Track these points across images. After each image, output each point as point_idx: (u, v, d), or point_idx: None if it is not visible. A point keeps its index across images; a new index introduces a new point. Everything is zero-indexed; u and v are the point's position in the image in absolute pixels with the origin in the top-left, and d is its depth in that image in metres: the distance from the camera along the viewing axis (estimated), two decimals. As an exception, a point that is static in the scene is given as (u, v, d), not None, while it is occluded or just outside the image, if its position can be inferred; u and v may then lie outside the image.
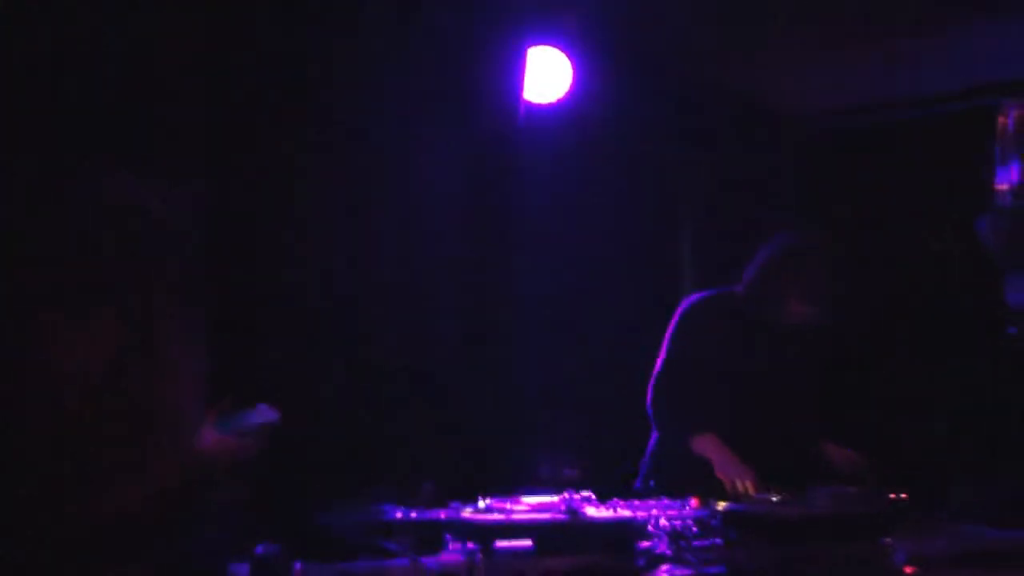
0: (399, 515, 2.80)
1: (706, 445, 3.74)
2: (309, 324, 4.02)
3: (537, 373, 4.69)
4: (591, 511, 2.87)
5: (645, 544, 2.81)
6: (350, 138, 4.24)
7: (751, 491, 3.47)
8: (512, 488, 3.06)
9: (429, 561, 2.59)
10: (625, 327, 4.83)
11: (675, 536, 2.79)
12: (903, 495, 3.10)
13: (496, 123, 4.51)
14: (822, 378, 3.95)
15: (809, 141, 5.31)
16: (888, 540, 2.90)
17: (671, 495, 3.14)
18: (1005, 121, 2.54)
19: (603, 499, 3.01)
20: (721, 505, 3.02)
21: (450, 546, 2.71)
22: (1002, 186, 2.53)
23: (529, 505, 2.93)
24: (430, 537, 2.74)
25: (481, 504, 2.94)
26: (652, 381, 3.95)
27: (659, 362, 3.97)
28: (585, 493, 2.96)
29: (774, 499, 3.11)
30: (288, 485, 2.87)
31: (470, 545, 2.65)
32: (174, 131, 3.35)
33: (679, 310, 4.01)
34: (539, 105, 4.51)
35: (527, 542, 2.71)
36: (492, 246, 4.72)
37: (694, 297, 4.06)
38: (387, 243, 4.42)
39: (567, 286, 4.82)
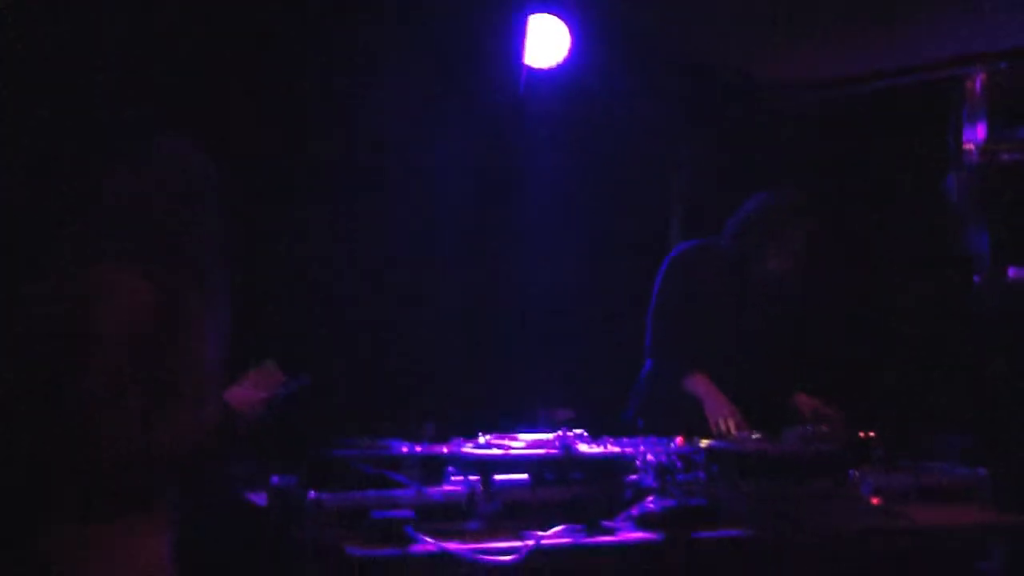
0: (405, 450, 2.95)
1: (697, 384, 3.89)
2: (319, 283, 4.17)
3: (534, 323, 4.86)
4: (583, 447, 3.03)
5: (633, 477, 2.97)
6: (355, 109, 4.38)
7: (734, 430, 3.64)
8: (510, 427, 3.21)
9: (433, 492, 2.75)
10: (619, 281, 4.99)
11: (661, 471, 2.95)
12: (871, 433, 3.28)
13: (499, 87, 4.61)
14: (798, 331, 4.09)
15: (802, 112, 5.44)
16: (856, 474, 3.10)
17: (659, 431, 3.29)
18: (972, 85, 2.70)
19: (595, 437, 3.16)
20: (704, 443, 3.18)
21: (452, 478, 2.86)
22: (968, 145, 2.69)
23: (526, 442, 3.08)
24: (433, 470, 2.89)
25: (481, 440, 3.09)
26: (649, 318, 4.07)
27: (653, 301, 4.09)
28: (578, 431, 3.11)
29: (753, 438, 3.28)
30: (303, 423, 3.00)
31: (471, 478, 2.81)
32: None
33: (668, 257, 4.16)
34: (538, 70, 4.63)
35: (523, 476, 2.88)
36: (494, 207, 4.85)
37: (682, 245, 4.21)
38: (394, 208, 4.55)
39: (564, 247, 4.97)
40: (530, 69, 4.53)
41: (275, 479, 2.64)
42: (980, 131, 2.69)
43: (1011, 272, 2.67)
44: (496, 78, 4.62)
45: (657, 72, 5.05)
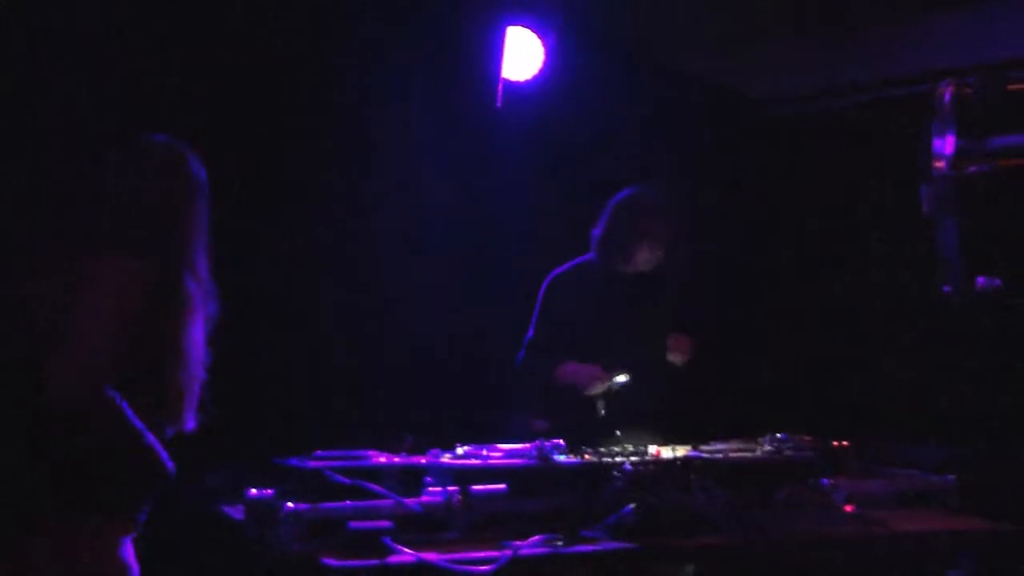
0: (383, 460, 2.95)
1: (561, 371, 3.91)
2: (297, 289, 4.19)
3: (513, 335, 4.86)
4: (560, 457, 3.05)
5: (610, 487, 2.98)
6: (334, 114, 4.43)
7: (606, 383, 3.72)
8: (488, 439, 3.22)
9: (411, 502, 2.74)
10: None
11: (638, 479, 2.95)
12: (845, 443, 3.33)
13: (477, 96, 4.65)
14: (685, 319, 4.11)
15: (776, 125, 5.54)
16: (829, 482, 3.12)
17: (627, 443, 3.33)
18: (942, 96, 2.75)
19: (572, 448, 3.17)
20: (681, 452, 3.21)
21: (430, 489, 2.86)
22: (938, 156, 2.74)
23: (503, 452, 3.10)
24: (411, 481, 2.89)
25: (459, 451, 3.09)
26: (522, 355, 4.06)
27: (527, 337, 4.09)
28: (555, 441, 3.12)
29: (729, 447, 3.31)
30: (281, 435, 3.01)
31: (449, 488, 2.80)
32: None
33: (542, 285, 4.13)
34: (514, 82, 4.68)
35: (501, 486, 2.87)
36: (471, 215, 4.88)
37: (553, 272, 4.18)
38: (372, 215, 4.58)
39: (541, 256, 4.97)
40: (507, 81, 4.55)
41: (251, 492, 2.64)
42: (949, 144, 2.73)
43: (979, 282, 2.71)
44: (475, 90, 4.67)
45: (632, 83, 5.08)
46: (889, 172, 4.70)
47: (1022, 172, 2.68)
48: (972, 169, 2.72)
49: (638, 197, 4.06)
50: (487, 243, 4.93)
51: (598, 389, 3.84)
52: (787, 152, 5.45)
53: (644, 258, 4.01)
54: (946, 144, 2.73)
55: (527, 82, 4.74)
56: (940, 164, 2.75)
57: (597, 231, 4.07)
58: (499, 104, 4.54)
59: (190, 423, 2.53)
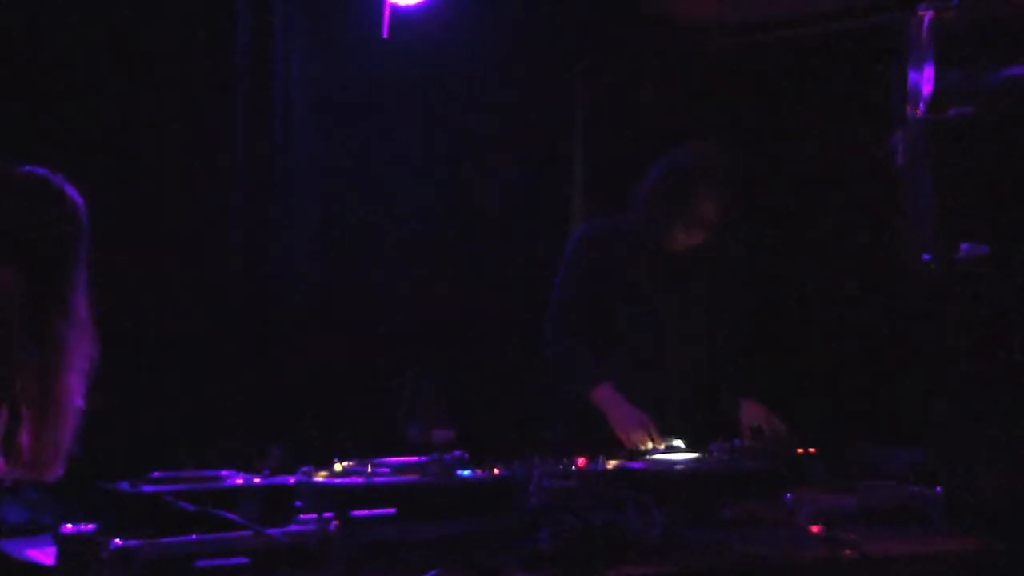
0: (240, 481, 2.68)
1: (602, 396, 3.65)
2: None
3: (404, 322, 4.54)
4: (464, 472, 2.80)
5: (526, 504, 2.72)
6: (200, 50, 4.13)
7: (652, 444, 3.41)
8: (375, 453, 2.95)
9: (276, 532, 2.44)
10: (508, 266, 4.70)
11: (559, 496, 2.70)
12: (812, 450, 3.12)
13: (361, 26, 4.39)
14: (728, 314, 3.85)
15: (717, 56, 5.02)
16: (792, 497, 2.89)
17: (567, 450, 3.06)
18: (919, 25, 2.41)
19: (478, 460, 2.91)
20: (611, 463, 2.98)
21: (301, 516, 2.55)
22: (914, 98, 2.40)
23: (392, 467, 2.85)
24: (278, 506, 2.61)
25: (337, 467, 2.83)
26: (548, 322, 3.85)
27: (553, 299, 3.87)
28: (456, 453, 2.85)
29: (671, 454, 3.13)
30: (107, 452, 2.62)
31: (325, 515, 2.50)
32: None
33: (573, 239, 3.93)
34: (401, 7, 4.36)
35: (390, 509, 2.59)
36: (355, 158, 4.57)
37: (587, 224, 3.99)
38: (251, 175, 4.28)
39: (441, 219, 4.67)
40: (394, 6, 4.32)
41: (66, 527, 2.33)
42: (927, 81, 2.40)
43: (963, 249, 2.37)
44: (358, 18, 4.38)
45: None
46: (853, 118, 4.26)
47: (1015, 114, 2.34)
48: (955, 111, 2.38)
49: (695, 169, 3.72)
50: (375, 187, 4.60)
51: (639, 447, 3.45)
52: (726, 92, 4.90)
53: (685, 237, 3.72)
54: (924, 82, 2.40)
55: (415, 6, 4.33)
56: (916, 107, 2.42)
57: (639, 194, 3.80)
58: (385, 34, 4.20)
59: (55, 474, 2.52)
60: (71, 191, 2.67)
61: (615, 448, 3.26)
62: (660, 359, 3.74)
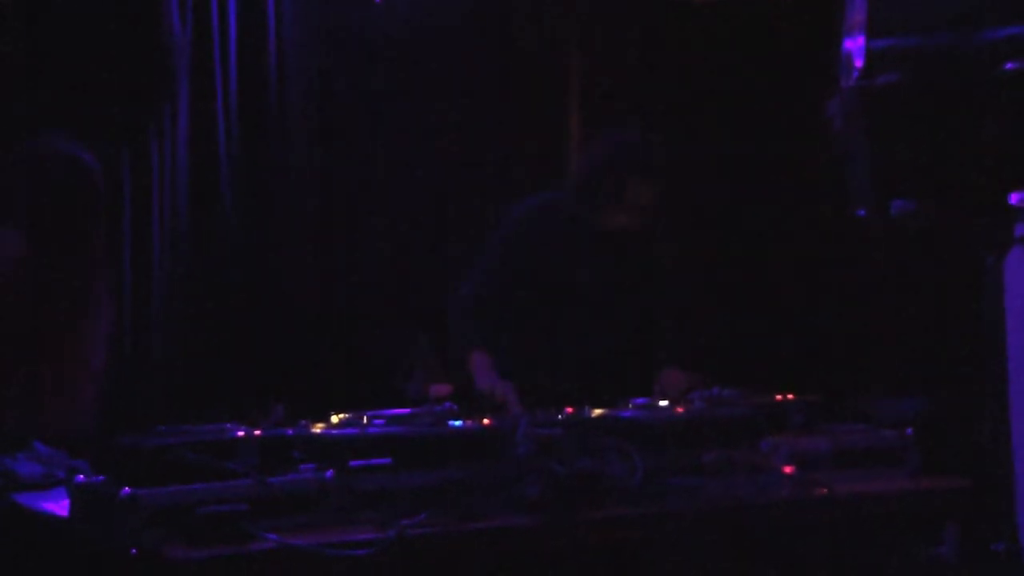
0: (241, 434, 2.75)
1: (475, 363, 3.69)
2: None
3: (401, 281, 4.62)
4: (455, 422, 2.90)
5: (514, 453, 2.77)
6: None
7: (507, 403, 3.47)
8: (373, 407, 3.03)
9: (276, 481, 2.54)
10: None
11: (546, 443, 2.76)
12: (789, 396, 3.15)
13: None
14: (648, 288, 3.90)
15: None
16: (767, 442, 2.96)
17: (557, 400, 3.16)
18: None
19: (469, 411, 3.01)
20: (596, 412, 3.05)
21: (300, 466, 2.65)
22: (847, 64, 2.47)
23: (387, 419, 2.93)
24: (277, 456, 2.67)
25: (334, 420, 2.92)
26: (460, 290, 3.88)
27: (473, 270, 3.90)
28: (447, 405, 2.97)
29: (659, 403, 3.19)
30: (117, 407, 2.75)
31: (322, 464, 2.60)
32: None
33: (510, 216, 3.95)
34: None
35: (385, 459, 2.67)
36: (338, 138, 4.61)
37: (524, 203, 3.99)
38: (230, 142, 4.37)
39: (425, 179, 4.70)
40: None
41: (80, 478, 2.46)
42: (859, 47, 2.46)
43: (895, 206, 2.46)
44: None
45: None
46: (793, 82, 4.30)
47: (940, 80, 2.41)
48: (886, 77, 2.45)
49: (624, 149, 3.81)
50: (359, 170, 4.65)
51: (494, 400, 3.53)
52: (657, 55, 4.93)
53: (621, 221, 3.79)
54: (855, 51, 2.46)
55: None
56: (849, 75, 2.48)
57: (575, 174, 3.93)
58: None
59: (75, 432, 2.62)
60: (88, 157, 2.71)
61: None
62: (583, 334, 3.76)
